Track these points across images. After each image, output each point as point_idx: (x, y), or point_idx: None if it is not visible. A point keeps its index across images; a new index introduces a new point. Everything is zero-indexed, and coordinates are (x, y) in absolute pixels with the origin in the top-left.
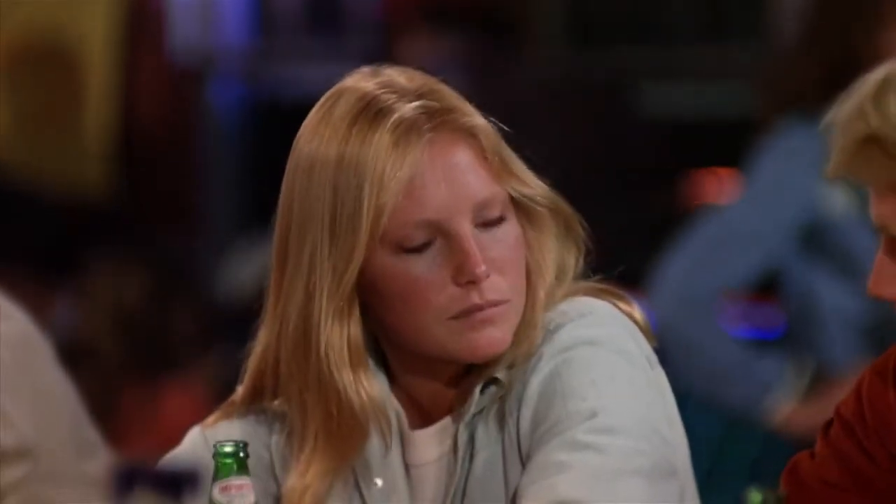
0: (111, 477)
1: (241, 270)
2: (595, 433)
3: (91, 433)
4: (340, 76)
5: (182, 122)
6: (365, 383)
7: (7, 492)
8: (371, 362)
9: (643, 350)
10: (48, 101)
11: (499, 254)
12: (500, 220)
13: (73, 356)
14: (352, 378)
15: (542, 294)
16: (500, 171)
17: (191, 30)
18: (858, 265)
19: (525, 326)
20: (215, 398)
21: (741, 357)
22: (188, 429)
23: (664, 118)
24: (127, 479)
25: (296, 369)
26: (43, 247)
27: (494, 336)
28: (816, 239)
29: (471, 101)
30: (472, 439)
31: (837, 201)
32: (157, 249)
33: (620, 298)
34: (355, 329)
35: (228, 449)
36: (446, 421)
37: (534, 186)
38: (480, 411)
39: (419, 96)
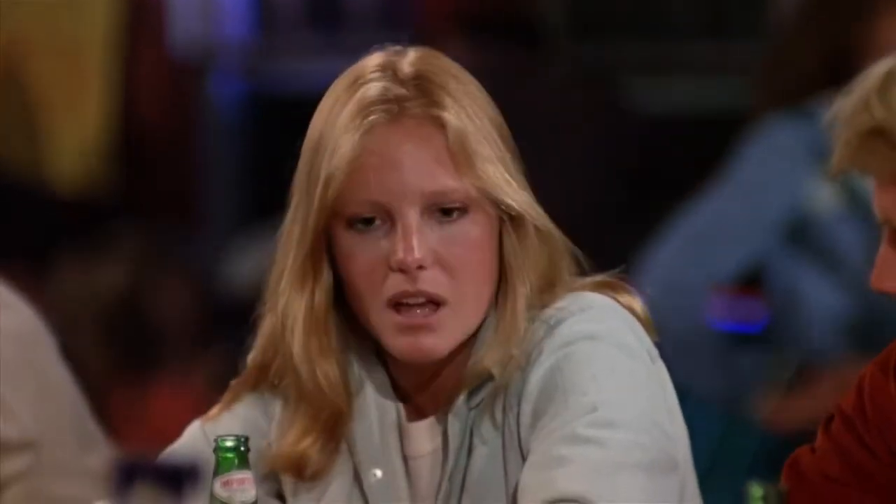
0: (112, 471)
1: (241, 266)
2: (595, 427)
3: (92, 426)
4: (340, 71)
5: (182, 116)
6: (318, 358)
7: (10, 483)
8: (374, 357)
9: (644, 344)
10: (47, 95)
11: (448, 251)
12: (456, 217)
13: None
14: (302, 350)
15: (521, 302)
16: (463, 168)
17: (191, 24)
18: (843, 261)
19: (504, 332)
20: (208, 395)
21: (724, 351)
22: (178, 426)
23: (661, 115)
24: (127, 474)
25: (279, 332)
26: (41, 242)
27: (427, 343)
28: (801, 234)
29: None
30: (471, 433)
31: (823, 197)
32: (156, 244)
33: (621, 291)
34: (319, 298)
35: (229, 443)
36: (438, 414)
37: (508, 191)
38: (478, 405)
39: (402, 81)
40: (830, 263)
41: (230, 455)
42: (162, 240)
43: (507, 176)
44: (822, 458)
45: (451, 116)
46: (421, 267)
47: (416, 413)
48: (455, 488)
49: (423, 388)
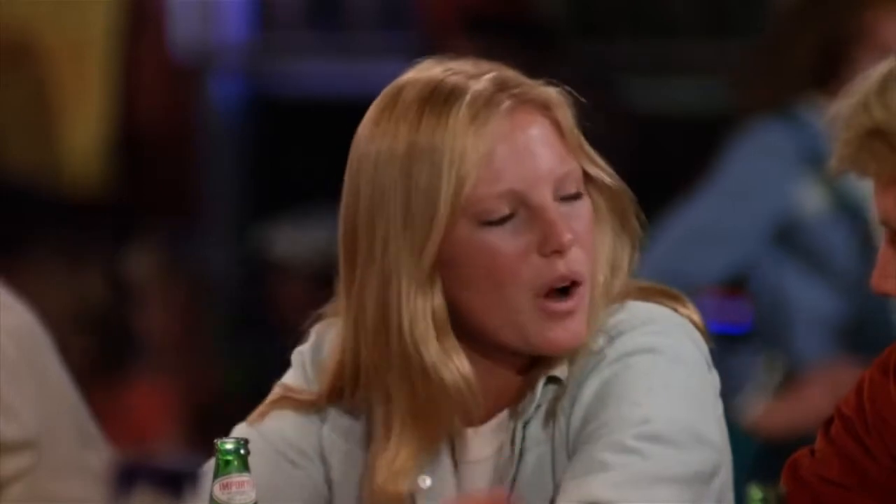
0: (113, 473)
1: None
2: (642, 440)
3: (91, 426)
4: (340, 71)
5: (182, 117)
6: (454, 357)
7: (10, 483)
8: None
9: (703, 354)
10: (49, 96)
11: (578, 227)
12: (577, 196)
13: None
14: (440, 352)
15: (600, 283)
16: (575, 148)
17: (191, 25)
18: (830, 263)
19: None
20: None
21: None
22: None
23: (662, 115)
24: (128, 476)
25: (377, 354)
26: (42, 241)
27: (573, 328)
28: (789, 236)
29: None
30: (523, 437)
31: (811, 200)
32: (154, 245)
33: (680, 301)
34: (439, 302)
35: (229, 446)
36: (502, 417)
37: (604, 167)
38: (538, 410)
39: (488, 74)
40: (817, 266)
41: (230, 457)
42: (161, 240)
43: (598, 155)
44: (822, 461)
45: (555, 96)
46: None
47: (478, 416)
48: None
49: (484, 392)
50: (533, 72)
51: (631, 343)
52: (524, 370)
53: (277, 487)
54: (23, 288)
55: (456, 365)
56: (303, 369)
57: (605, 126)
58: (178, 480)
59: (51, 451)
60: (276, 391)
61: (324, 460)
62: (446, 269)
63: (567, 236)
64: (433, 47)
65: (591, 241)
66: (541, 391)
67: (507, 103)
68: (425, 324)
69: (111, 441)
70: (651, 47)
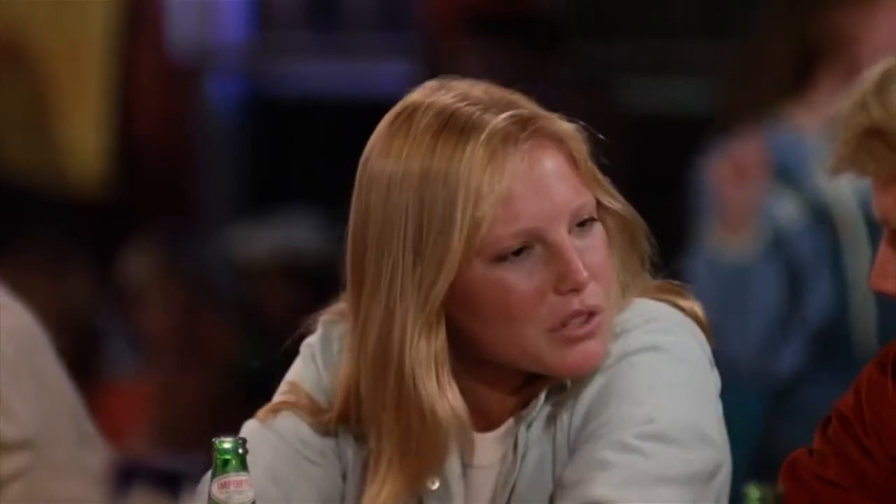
0: (111, 473)
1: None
2: (645, 439)
3: (90, 426)
4: (339, 71)
5: (180, 117)
6: (450, 397)
7: (9, 482)
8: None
9: (706, 352)
10: (47, 97)
11: (592, 258)
12: (590, 220)
13: None
14: (437, 392)
15: (612, 310)
16: (589, 180)
17: (189, 25)
18: (806, 273)
19: None
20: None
21: None
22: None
23: (656, 114)
24: (126, 476)
25: (373, 389)
26: (41, 242)
27: (593, 349)
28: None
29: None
30: (526, 439)
31: (786, 211)
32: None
33: (682, 296)
34: (441, 343)
35: (227, 445)
36: (509, 424)
37: (617, 197)
38: (539, 411)
39: (503, 107)
40: (793, 275)
41: (228, 457)
42: (159, 240)
43: (609, 183)
44: (820, 461)
45: (568, 128)
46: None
47: (481, 423)
48: (507, 493)
49: (491, 401)
50: (533, 71)
51: (634, 341)
52: (530, 379)
53: (298, 485)
54: (13, 287)
55: (450, 401)
56: (314, 364)
57: (604, 126)
58: (177, 480)
59: (49, 451)
60: (285, 388)
61: (339, 457)
62: (456, 303)
63: (583, 274)
64: (433, 47)
65: (607, 265)
66: (545, 396)
67: (524, 141)
68: (427, 366)
69: None
70: (651, 48)
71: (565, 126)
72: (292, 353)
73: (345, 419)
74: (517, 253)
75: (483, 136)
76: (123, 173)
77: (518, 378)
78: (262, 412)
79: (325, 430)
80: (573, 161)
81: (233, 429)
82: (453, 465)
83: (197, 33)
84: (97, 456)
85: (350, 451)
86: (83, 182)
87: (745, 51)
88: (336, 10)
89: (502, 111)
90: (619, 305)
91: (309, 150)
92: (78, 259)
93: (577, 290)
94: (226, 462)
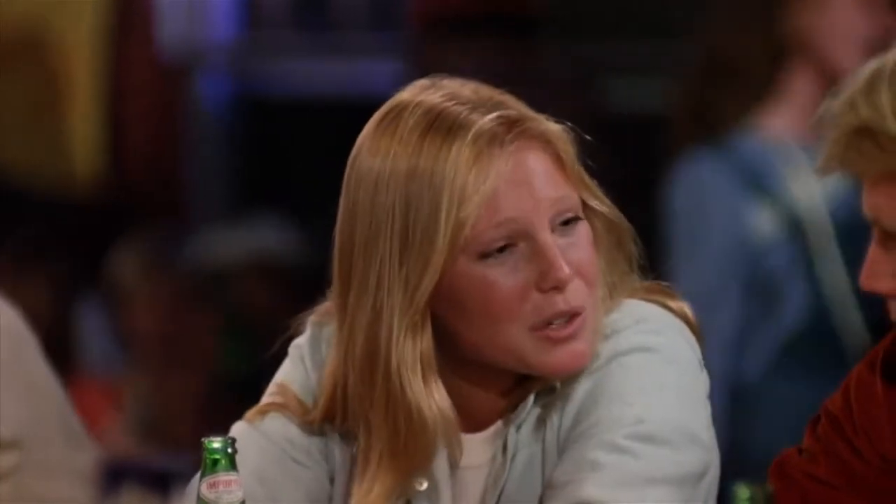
0: (100, 472)
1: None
2: (635, 440)
3: (78, 426)
4: (328, 71)
5: (170, 116)
6: (437, 397)
7: None
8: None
9: (695, 353)
10: (35, 96)
11: (576, 256)
12: (575, 220)
13: None
14: (424, 392)
15: (600, 309)
16: (575, 180)
17: (179, 25)
18: (779, 284)
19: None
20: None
21: None
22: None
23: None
24: (116, 475)
25: (362, 388)
26: (30, 241)
27: (577, 350)
28: (741, 261)
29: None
30: (516, 441)
31: (761, 223)
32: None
33: (671, 297)
34: (427, 345)
35: (217, 445)
36: (498, 425)
37: (604, 200)
38: (529, 413)
39: (491, 108)
40: (769, 288)
41: (217, 456)
42: (148, 239)
43: (595, 184)
44: (810, 460)
45: (555, 129)
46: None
47: (470, 424)
48: (496, 494)
49: (480, 401)
50: (515, 69)
51: (625, 342)
52: (520, 381)
53: (285, 486)
54: (1, 286)
55: (437, 402)
56: (302, 364)
57: (589, 126)
58: (166, 480)
59: (37, 450)
60: (273, 390)
61: (327, 459)
62: (442, 302)
63: (565, 271)
64: (419, 46)
65: (592, 264)
66: (535, 397)
67: (510, 142)
68: (413, 366)
69: None
70: (639, 47)
71: (553, 127)
72: (280, 355)
73: (331, 417)
74: (501, 250)
75: (469, 137)
76: (113, 172)
77: (507, 379)
78: (250, 413)
79: (313, 432)
80: (560, 162)
81: (221, 429)
82: (441, 465)
83: (186, 32)
84: (86, 456)
85: (338, 452)
86: (73, 181)
87: (707, 54)
88: (325, 9)
89: (490, 111)
90: (606, 306)
91: (298, 149)
92: (66, 258)
93: (558, 287)
94: (215, 462)
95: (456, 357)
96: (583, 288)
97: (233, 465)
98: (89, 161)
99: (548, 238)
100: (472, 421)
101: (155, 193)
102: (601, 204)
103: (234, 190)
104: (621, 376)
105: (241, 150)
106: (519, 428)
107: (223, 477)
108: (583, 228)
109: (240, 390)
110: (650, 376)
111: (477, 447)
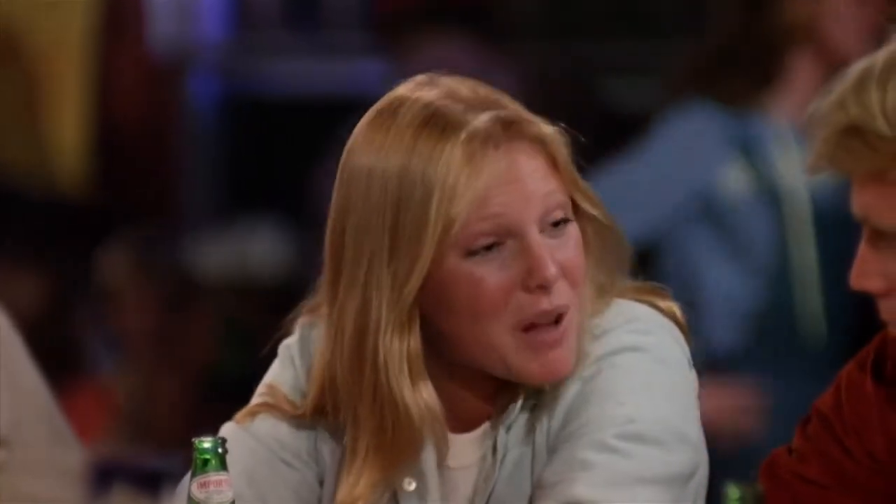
0: (90, 472)
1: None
2: (625, 439)
3: (63, 425)
4: (318, 71)
5: (160, 116)
6: (424, 394)
7: None
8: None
9: (685, 353)
10: (24, 96)
11: (563, 256)
12: (564, 221)
13: None
14: (411, 389)
15: (587, 307)
16: (568, 182)
17: (169, 25)
18: (746, 246)
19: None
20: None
21: None
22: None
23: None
24: (106, 475)
25: (350, 381)
26: (21, 240)
27: (560, 357)
28: (707, 217)
29: None
30: (505, 441)
31: (735, 181)
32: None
33: (661, 297)
34: (415, 342)
35: (207, 445)
36: (488, 425)
37: (597, 203)
38: (518, 414)
39: (486, 107)
40: (733, 248)
41: (208, 456)
42: (138, 239)
43: (589, 186)
44: (800, 460)
45: (549, 131)
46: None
47: (458, 424)
48: (486, 495)
49: (469, 402)
50: (491, 65)
51: (615, 342)
52: (508, 382)
53: (274, 487)
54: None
55: (424, 398)
56: (292, 365)
57: (580, 125)
58: (157, 480)
59: (22, 449)
60: (263, 391)
61: (317, 461)
62: (429, 300)
63: (551, 271)
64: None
65: (580, 266)
66: (524, 397)
67: (504, 143)
68: (400, 362)
69: None
70: (629, 47)
71: (547, 129)
72: (272, 356)
73: (321, 410)
74: (489, 248)
75: (463, 136)
76: (104, 172)
77: (496, 380)
78: (239, 415)
79: (302, 434)
80: (553, 164)
81: (212, 429)
82: (430, 465)
83: (177, 32)
84: (72, 455)
85: (327, 454)
86: (63, 181)
87: (708, 46)
88: (316, 9)
89: (485, 111)
90: (595, 307)
91: (289, 148)
92: (56, 258)
93: (544, 286)
94: (205, 462)
95: (445, 359)
96: (568, 289)
97: (223, 465)
98: (79, 161)
99: (535, 236)
100: (461, 421)
101: (145, 193)
102: (593, 207)
103: (224, 189)
104: (611, 376)
105: (231, 150)
106: (509, 428)
107: (213, 477)
108: (572, 230)
109: (231, 391)
110: (640, 376)
111: (466, 448)
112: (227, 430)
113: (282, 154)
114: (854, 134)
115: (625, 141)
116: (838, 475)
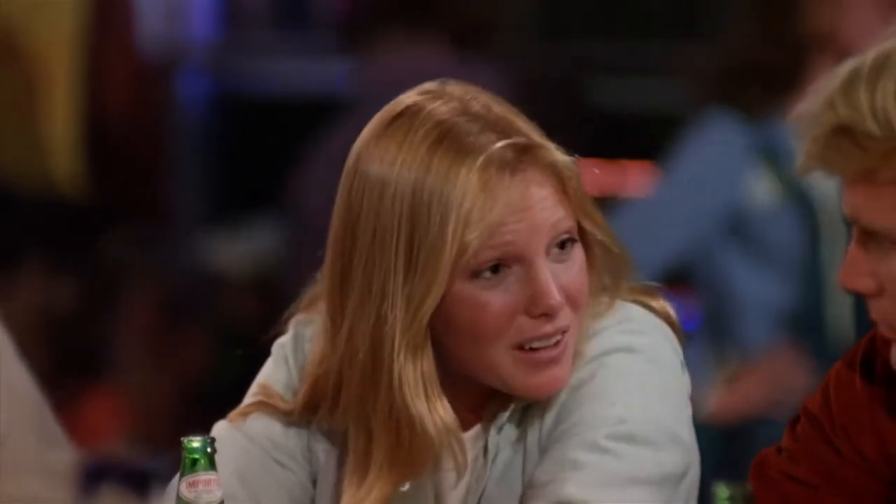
0: (80, 472)
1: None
2: (616, 440)
3: (54, 426)
4: (307, 70)
5: (150, 115)
6: (441, 411)
7: None
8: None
9: (677, 354)
10: (14, 96)
11: (567, 279)
12: (570, 243)
13: None
14: (427, 409)
15: (585, 323)
16: (577, 208)
17: (158, 24)
18: (778, 254)
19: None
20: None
21: None
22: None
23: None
24: (95, 475)
25: (364, 396)
26: (14, 242)
27: (557, 375)
28: (738, 228)
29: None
30: (497, 442)
31: (761, 191)
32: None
33: (655, 297)
34: (428, 363)
35: (196, 444)
36: (480, 427)
37: (605, 229)
38: (511, 414)
39: (501, 130)
40: (765, 257)
41: (197, 456)
42: (129, 239)
43: (599, 211)
44: (789, 460)
45: (562, 158)
46: None
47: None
48: (477, 495)
49: (464, 405)
50: (461, 66)
51: (608, 342)
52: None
53: (267, 487)
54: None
55: (441, 416)
56: (285, 364)
57: (572, 126)
58: (146, 480)
59: (12, 450)
60: (256, 390)
61: (310, 462)
62: (439, 321)
63: (556, 299)
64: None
65: (582, 288)
66: (516, 399)
67: (520, 171)
68: (415, 384)
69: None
70: (623, 48)
71: (558, 155)
72: (263, 355)
73: (312, 408)
74: (494, 270)
75: (479, 162)
76: (93, 171)
77: (490, 388)
78: (232, 414)
79: (295, 434)
80: (563, 190)
81: (203, 429)
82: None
83: (166, 31)
84: (62, 455)
85: (321, 454)
86: (54, 181)
87: (728, 53)
88: (305, 8)
89: (500, 136)
90: (593, 311)
91: (278, 148)
92: (49, 258)
93: (548, 314)
94: (194, 461)
95: (442, 367)
96: (569, 312)
97: (212, 465)
98: (69, 161)
99: (542, 265)
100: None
101: (135, 193)
102: (602, 233)
103: (213, 188)
104: (603, 376)
105: (221, 149)
106: (500, 429)
107: (202, 476)
108: (577, 253)
109: (224, 390)
110: (632, 376)
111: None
112: (219, 429)
113: (271, 153)
114: (843, 134)
115: (618, 141)
116: (828, 474)
